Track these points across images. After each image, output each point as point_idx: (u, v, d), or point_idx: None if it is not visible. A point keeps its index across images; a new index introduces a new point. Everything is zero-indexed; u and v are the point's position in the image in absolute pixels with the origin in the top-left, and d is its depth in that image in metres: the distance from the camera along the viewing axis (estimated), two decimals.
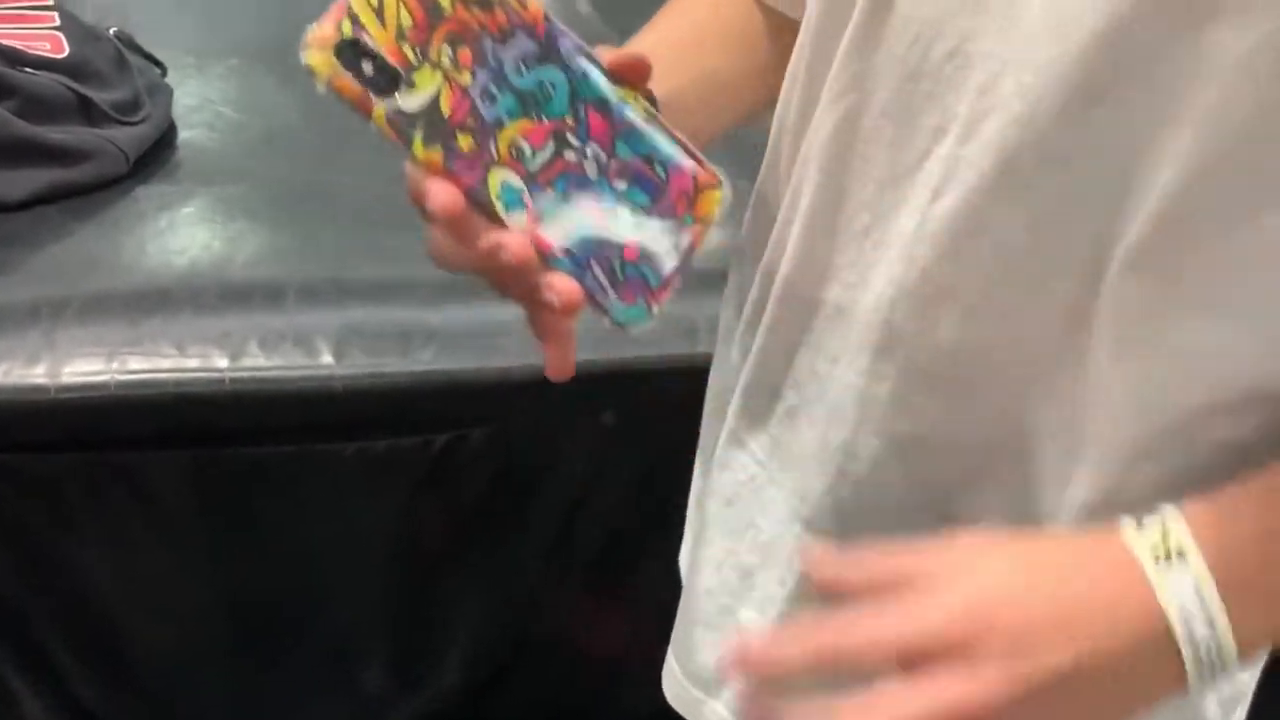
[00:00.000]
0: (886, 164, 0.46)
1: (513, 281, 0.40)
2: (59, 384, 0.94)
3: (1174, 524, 0.39)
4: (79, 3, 1.32)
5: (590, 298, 0.39)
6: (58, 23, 1.22)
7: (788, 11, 0.56)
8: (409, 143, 0.38)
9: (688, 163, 0.41)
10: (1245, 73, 0.36)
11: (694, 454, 0.65)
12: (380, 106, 0.37)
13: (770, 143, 0.55)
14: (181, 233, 1.14)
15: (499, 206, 0.39)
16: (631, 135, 0.40)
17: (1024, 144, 0.41)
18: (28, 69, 1.15)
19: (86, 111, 1.16)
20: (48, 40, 1.19)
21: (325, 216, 1.16)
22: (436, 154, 0.38)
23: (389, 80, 0.37)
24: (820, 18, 0.49)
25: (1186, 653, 0.38)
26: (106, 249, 1.09)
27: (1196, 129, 0.38)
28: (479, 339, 1.00)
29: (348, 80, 0.37)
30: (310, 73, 0.37)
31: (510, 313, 0.41)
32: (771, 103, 0.56)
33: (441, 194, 0.38)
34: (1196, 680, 0.38)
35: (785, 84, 0.54)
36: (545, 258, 0.39)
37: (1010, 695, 0.37)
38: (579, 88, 0.40)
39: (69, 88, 1.16)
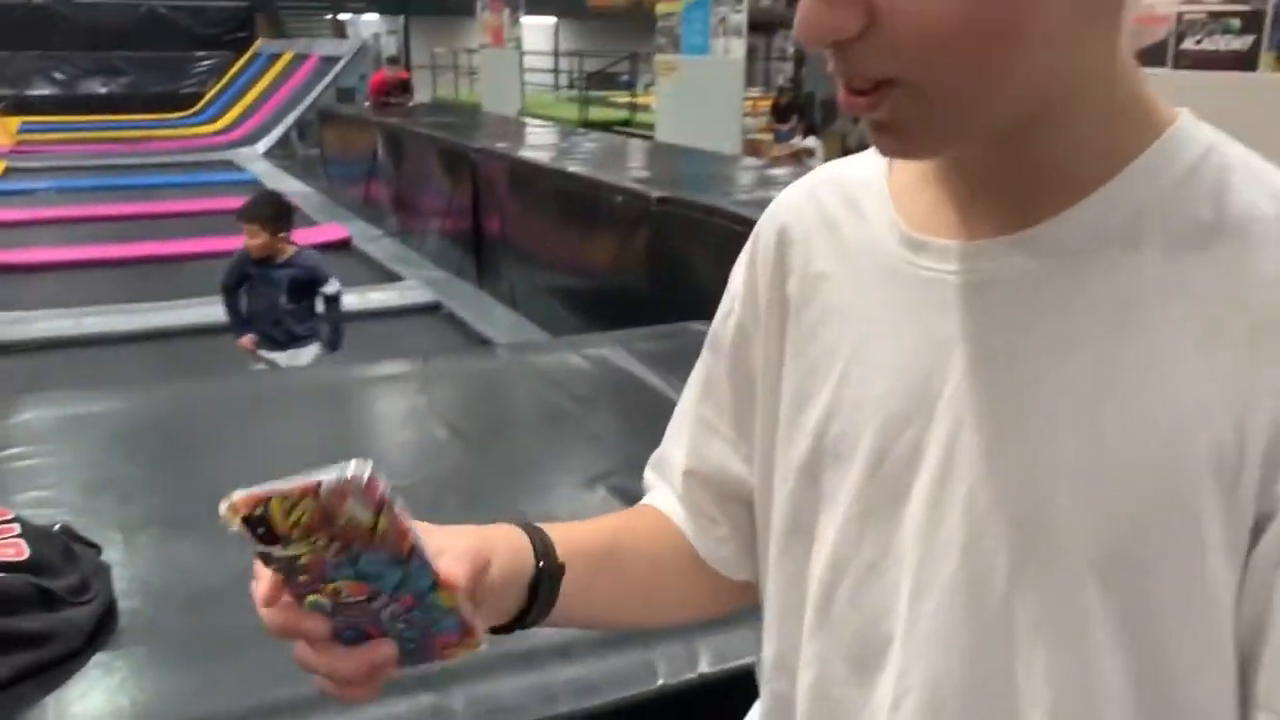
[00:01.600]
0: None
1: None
2: None
3: None
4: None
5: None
6: (18, 531, 1.50)
7: (730, 575, 0.80)
8: (267, 563, 0.56)
9: (454, 633, 0.60)
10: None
11: None
12: (259, 549, 0.55)
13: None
14: (128, 689, 1.38)
15: (305, 607, 0.57)
16: (425, 611, 0.58)
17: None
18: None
19: (48, 601, 1.43)
20: (12, 547, 1.47)
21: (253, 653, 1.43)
22: (280, 577, 0.57)
23: (272, 540, 0.54)
24: (779, 598, 0.73)
25: None
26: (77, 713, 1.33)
27: None
28: None
29: (246, 531, 0.54)
30: (226, 520, 0.53)
31: None
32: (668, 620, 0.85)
33: (265, 614, 0.58)
34: None
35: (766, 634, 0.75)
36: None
37: None
38: (406, 580, 0.57)
39: (32, 584, 1.43)
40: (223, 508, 0.53)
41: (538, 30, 18.69)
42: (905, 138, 0.57)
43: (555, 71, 18.64)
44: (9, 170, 11.59)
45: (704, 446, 0.80)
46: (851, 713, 0.68)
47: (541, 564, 0.69)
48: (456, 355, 4.45)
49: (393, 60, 12.57)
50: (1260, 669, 0.56)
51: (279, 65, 15.92)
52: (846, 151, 11.06)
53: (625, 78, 17.41)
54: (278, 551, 0.55)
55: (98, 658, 1.42)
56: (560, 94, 17.47)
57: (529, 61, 14.24)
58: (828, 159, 8.45)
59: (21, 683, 1.35)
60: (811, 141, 12.18)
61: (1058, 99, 0.56)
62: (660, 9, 12.29)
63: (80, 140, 14.45)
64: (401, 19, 16.17)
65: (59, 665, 1.39)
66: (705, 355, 0.82)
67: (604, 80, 17.47)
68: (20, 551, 1.48)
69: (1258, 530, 0.54)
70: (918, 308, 0.64)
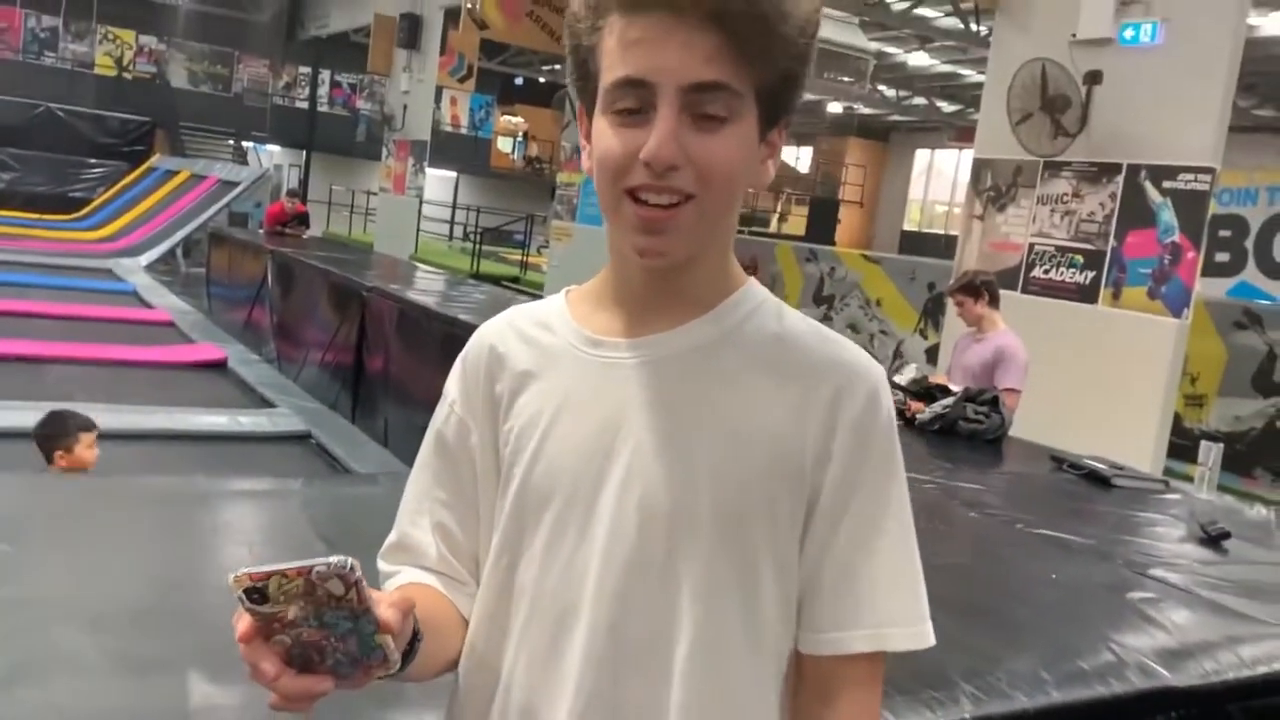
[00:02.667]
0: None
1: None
2: None
3: None
4: None
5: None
6: None
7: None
8: (250, 615, 0.74)
9: (378, 661, 0.78)
10: None
11: None
12: (248, 607, 0.74)
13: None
14: None
15: (271, 641, 0.76)
16: (362, 647, 0.77)
17: None
18: None
19: None
20: None
21: None
22: (260, 621, 0.75)
23: (261, 602, 0.74)
24: (486, 609, 0.98)
25: None
26: None
27: None
28: None
29: (243, 597, 0.74)
30: (231, 587, 0.74)
31: None
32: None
33: (241, 647, 0.76)
34: None
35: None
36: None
37: None
38: (355, 629, 0.77)
39: None
40: (230, 579, 0.73)
41: (438, 181, 19.18)
42: (674, 242, 0.91)
43: (451, 223, 19.07)
44: None
45: (447, 523, 1.03)
46: (552, 674, 0.94)
47: (416, 629, 0.88)
48: (334, 480, 4.49)
49: (293, 193, 12.74)
50: (817, 600, 0.93)
51: (174, 182, 15.95)
52: None
53: (519, 236, 17.95)
54: (263, 609, 0.75)
55: None
56: (454, 244, 17.85)
57: (430, 210, 14.60)
58: None
59: None
60: None
61: (717, 243, 0.96)
62: (561, 178, 12.82)
63: None
64: (304, 153, 16.45)
65: None
66: (429, 451, 1.06)
67: (498, 237, 17.96)
68: None
69: (810, 509, 0.93)
70: (599, 383, 0.96)
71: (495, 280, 13.16)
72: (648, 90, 0.87)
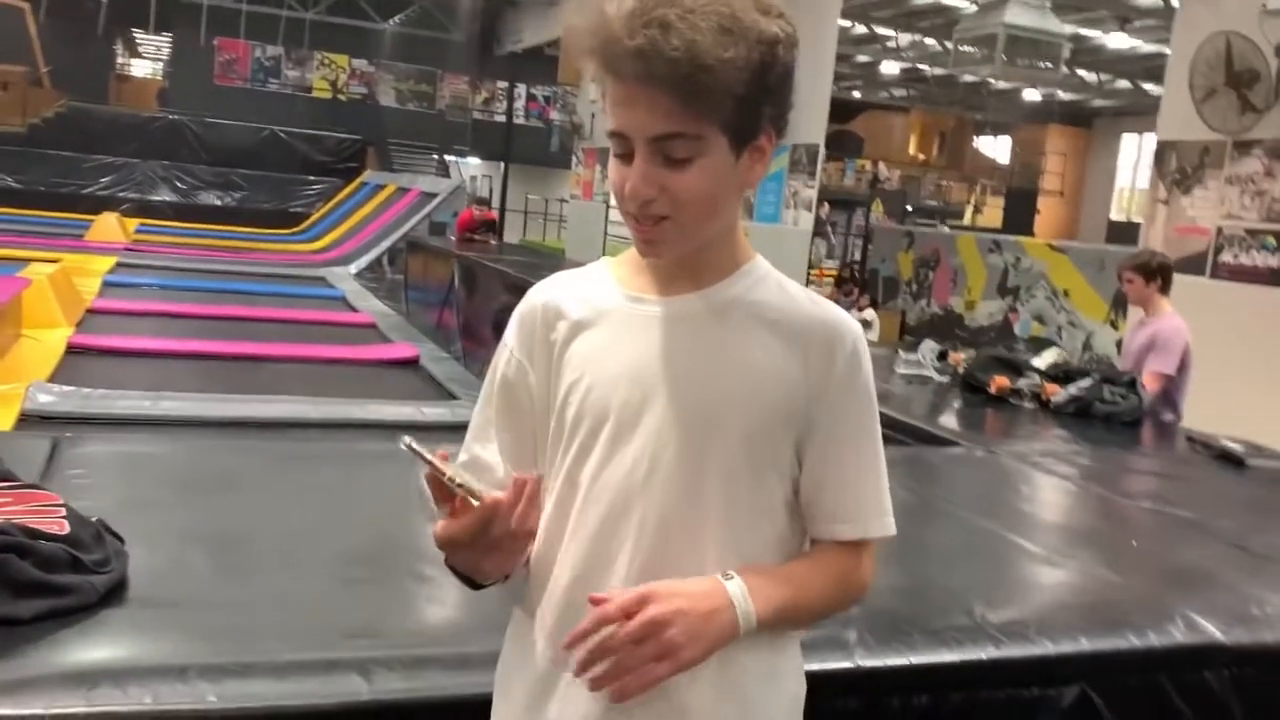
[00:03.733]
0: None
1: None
2: None
3: (733, 573, 1.18)
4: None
5: None
6: (64, 513, 1.93)
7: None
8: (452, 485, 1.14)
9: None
10: None
11: None
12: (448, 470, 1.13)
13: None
14: (122, 640, 1.78)
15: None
16: None
17: None
18: (42, 540, 1.85)
19: (77, 566, 1.85)
20: (57, 524, 1.90)
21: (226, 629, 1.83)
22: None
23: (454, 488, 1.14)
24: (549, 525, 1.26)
25: (740, 615, 1.15)
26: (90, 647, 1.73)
27: None
28: None
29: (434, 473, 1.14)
30: (415, 457, 1.14)
31: None
32: None
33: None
34: (743, 627, 1.15)
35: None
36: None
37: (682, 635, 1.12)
38: None
39: (67, 552, 1.85)
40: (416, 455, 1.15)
41: None
42: (663, 248, 1.21)
43: None
44: (119, 265, 12.49)
45: (510, 445, 1.31)
46: (606, 548, 1.21)
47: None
48: None
49: (481, 201, 13.39)
50: (816, 501, 1.26)
51: (382, 195, 16.95)
52: (904, 327, 11.34)
53: None
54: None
55: (105, 613, 1.82)
56: None
57: (615, 215, 15.01)
58: (884, 333, 8.78)
59: (45, 620, 1.75)
60: (870, 314, 12.50)
61: (719, 232, 1.23)
62: None
63: (189, 244, 15.47)
64: (502, 165, 17.20)
65: (76, 614, 1.79)
66: (492, 389, 1.33)
67: None
68: (63, 527, 1.90)
69: (808, 427, 1.23)
70: (640, 330, 1.24)
71: None
72: (628, 140, 1.15)
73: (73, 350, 7.85)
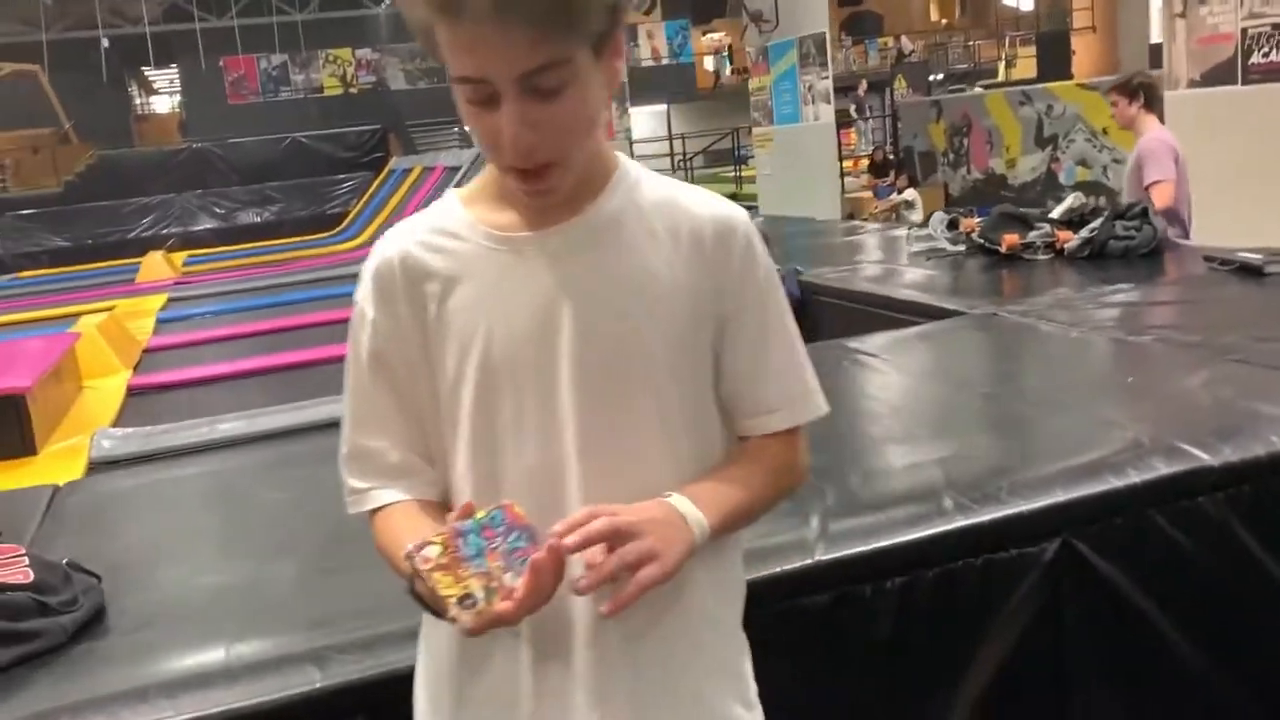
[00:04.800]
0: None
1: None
2: None
3: (678, 492, 1.12)
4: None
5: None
6: (26, 563, 1.99)
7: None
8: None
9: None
10: None
11: None
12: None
13: None
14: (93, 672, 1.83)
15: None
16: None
17: None
18: (6, 591, 1.91)
19: (44, 610, 1.91)
20: (20, 574, 1.96)
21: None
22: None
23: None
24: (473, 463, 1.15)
25: (693, 524, 1.09)
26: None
27: None
28: None
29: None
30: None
31: None
32: None
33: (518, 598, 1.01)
34: (697, 535, 1.10)
35: None
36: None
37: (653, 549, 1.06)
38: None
39: (32, 599, 1.91)
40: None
41: (650, 117, 19.44)
42: (554, 193, 1.09)
43: (670, 155, 19.31)
44: (170, 300, 12.77)
45: (396, 427, 1.18)
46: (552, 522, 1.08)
47: None
48: None
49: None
50: (740, 397, 1.19)
51: (410, 179, 17.00)
52: (949, 199, 11.07)
53: (742, 151, 17.91)
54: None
55: (80, 648, 1.88)
56: (675, 176, 18.08)
57: (642, 149, 14.88)
58: (927, 211, 8.60)
59: (20, 665, 1.82)
60: (911, 194, 12.26)
61: (584, 154, 1.10)
62: (752, 85, 12.72)
63: (236, 266, 15.73)
64: None
65: (48, 654, 1.85)
66: (360, 369, 1.18)
67: (717, 157, 17.99)
68: (27, 576, 1.96)
69: (720, 326, 1.16)
70: (522, 275, 1.12)
71: None
72: (485, 84, 1.00)
73: (133, 392, 8.08)
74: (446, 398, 1.15)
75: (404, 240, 1.17)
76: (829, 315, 4.52)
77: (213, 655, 1.78)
